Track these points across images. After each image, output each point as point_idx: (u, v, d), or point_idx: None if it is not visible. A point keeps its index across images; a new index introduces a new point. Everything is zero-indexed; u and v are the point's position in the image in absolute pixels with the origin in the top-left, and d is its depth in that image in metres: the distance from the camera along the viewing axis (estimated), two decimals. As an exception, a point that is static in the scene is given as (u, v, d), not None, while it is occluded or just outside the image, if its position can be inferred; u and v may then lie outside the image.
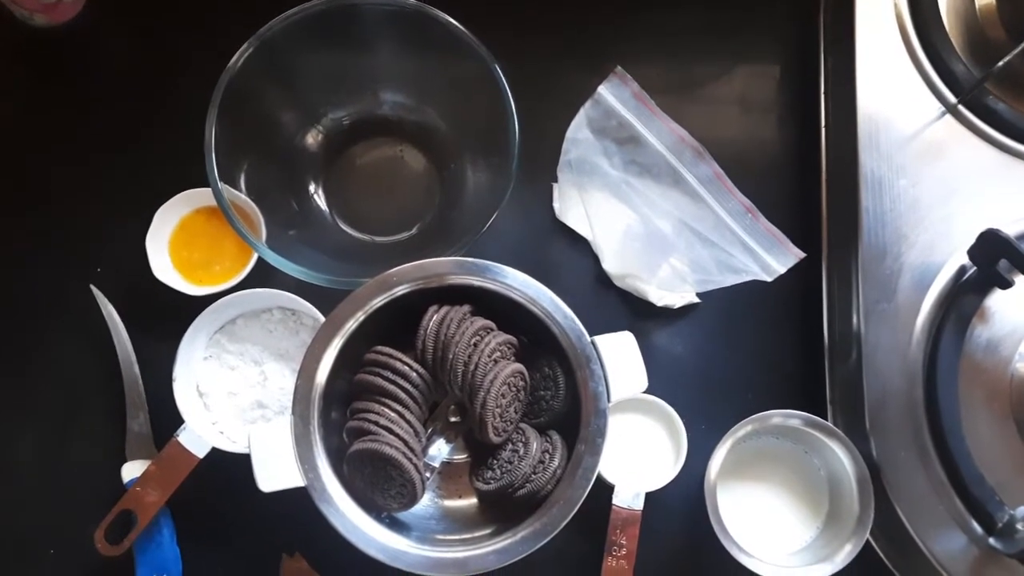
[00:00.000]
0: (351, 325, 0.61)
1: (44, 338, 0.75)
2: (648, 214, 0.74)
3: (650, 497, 0.69)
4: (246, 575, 0.72)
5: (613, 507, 0.68)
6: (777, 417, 0.67)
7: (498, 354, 0.62)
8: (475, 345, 0.61)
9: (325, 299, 0.66)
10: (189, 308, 0.70)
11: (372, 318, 0.61)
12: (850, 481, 0.67)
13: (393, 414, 0.60)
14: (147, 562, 0.69)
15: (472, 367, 0.60)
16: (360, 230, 0.77)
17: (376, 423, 0.60)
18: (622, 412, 0.72)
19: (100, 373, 0.74)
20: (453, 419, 0.65)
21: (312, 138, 0.76)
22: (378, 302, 0.61)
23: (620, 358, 0.61)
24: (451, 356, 0.61)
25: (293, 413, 0.59)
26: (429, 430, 0.65)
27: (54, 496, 0.73)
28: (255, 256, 0.73)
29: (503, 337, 0.62)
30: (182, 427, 0.67)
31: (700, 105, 0.82)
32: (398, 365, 0.61)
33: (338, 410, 0.64)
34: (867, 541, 0.65)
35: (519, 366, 0.62)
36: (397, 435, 0.59)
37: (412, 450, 0.60)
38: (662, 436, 0.72)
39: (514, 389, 0.62)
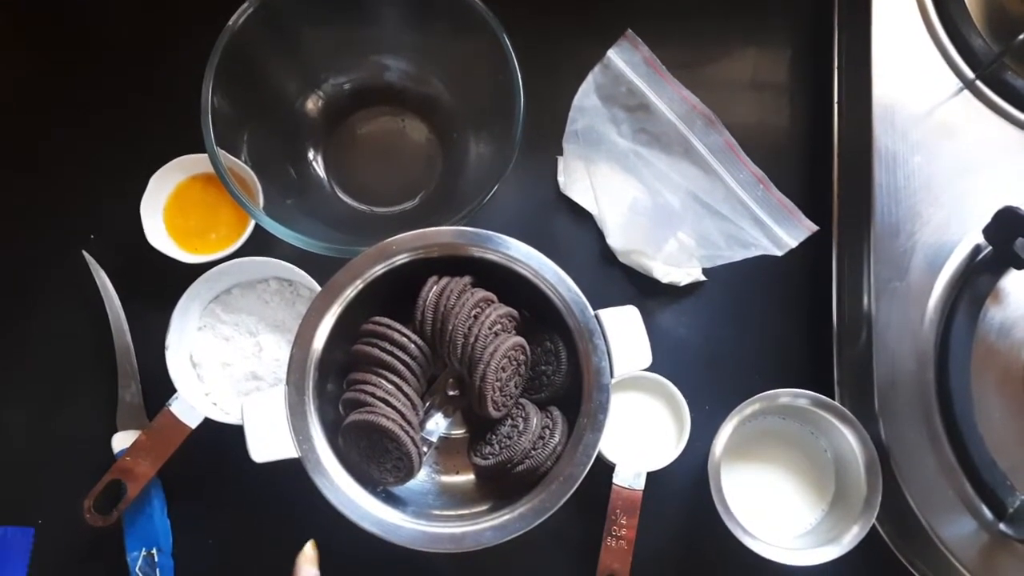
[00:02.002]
0: (349, 294, 0.59)
1: (36, 305, 0.74)
2: (656, 186, 0.72)
3: (652, 477, 0.67)
4: (238, 549, 0.71)
5: (614, 487, 0.67)
6: (785, 396, 0.66)
7: (499, 327, 0.60)
8: (475, 317, 0.60)
9: (323, 270, 0.65)
10: (184, 276, 0.68)
11: (370, 287, 0.60)
12: (857, 463, 0.65)
13: (390, 386, 0.59)
14: (136, 534, 0.67)
15: (472, 339, 0.59)
16: (359, 200, 0.76)
17: (373, 395, 0.58)
18: (624, 391, 0.71)
19: (92, 341, 0.73)
20: (452, 393, 0.64)
21: (312, 104, 0.74)
22: (377, 271, 0.60)
23: (624, 332, 0.60)
24: (450, 328, 0.59)
25: (287, 383, 0.57)
26: (427, 404, 0.64)
27: (43, 466, 0.72)
28: (252, 224, 0.71)
29: (504, 309, 0.61)
30: (174, 396, 0.66)
31: (710, 81, 0.80)
32: (396, 336, 0.60)
33: (334, 382, 0.62)
34: (872, 526, 0.64)
35: (520, 339, 0.61)
36: (394, 407, 0.58)
37: (409, 423, 0.58)
38: (665, 416, 0.70)
39: (515, 363, 0.61)
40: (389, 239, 0.60)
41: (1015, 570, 0.63)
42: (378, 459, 0.59)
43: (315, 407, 0.58)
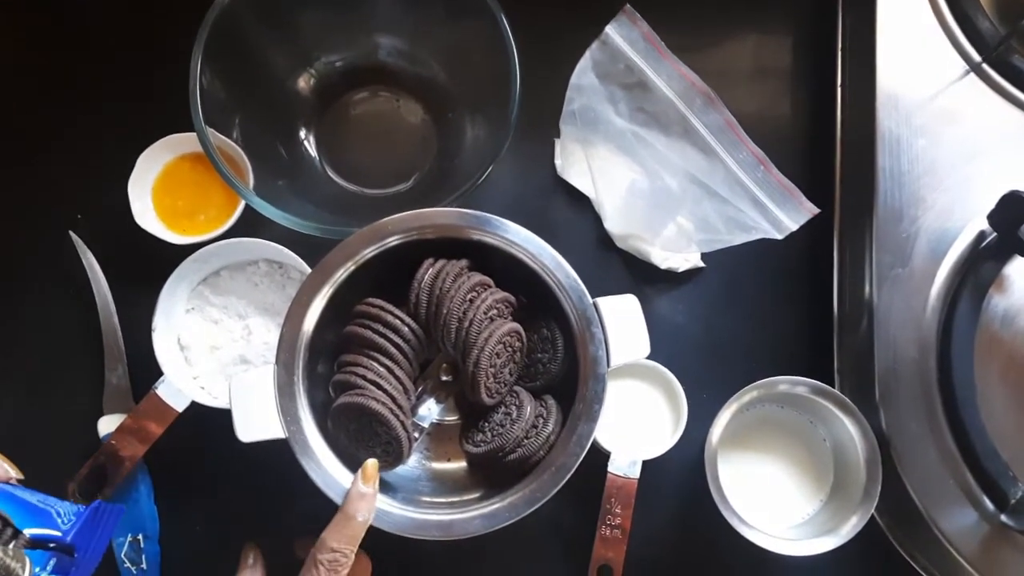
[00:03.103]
0: (341, 275, 0.58)
1: (22, 286, 0.73)
2: (654, 168, 0.71)
3: (647, 466, 0.66)
4: (225, 535, 0.69)
5: (609, 475, 0.66)
6: (783, 384, 0.65)
7: (494, 312, 0.59)
8: (471, 301, 0.58)
9: (314, 253, 0.63)
10: (172, 258, 0.67)
11: (364, 269, 0.59)
12: (857, 453, 0.64)
13: (382, 369, 0.58)
14: (123, 520, 0.66)
15: (466, 324, 0.58)
16: (352, 181, 0.75)
17: (364, 377, 0.57)
18: (620, 377, 0.69)
19: (78, 323, 0.72)
20: (445, 378, 0.63)
21: (304, 82, 0.73)
22: (371, 252, 0.58)
23: (622, 322, 0.58)
24: (445, 311, 0.58)
25: (277, 362, 0.56)
26: (419, 389, 0.63)
27: (27, 449, 0.68)
28: (241, 205, 0.70)
29: (500, 294, 0.60)
30: (161, 379, 0.64)
31: (711, 65, 0.78)
32: (389, 318, 0.59)
33: (325, 364, 0.61)
34: (871, 517, 0.63)
35: (516, 325, 0.59)
36: (385, 391, 0.57)
37: (400, 407, 0.57)
38: (661, 403, 0.69)
39: (509, 349, 0.59)
40: (384, 219, 0.58)
41: (1016, 562, 0.62)
42: (367, 443, 0.57)
43: (304, 388, 0.57)
